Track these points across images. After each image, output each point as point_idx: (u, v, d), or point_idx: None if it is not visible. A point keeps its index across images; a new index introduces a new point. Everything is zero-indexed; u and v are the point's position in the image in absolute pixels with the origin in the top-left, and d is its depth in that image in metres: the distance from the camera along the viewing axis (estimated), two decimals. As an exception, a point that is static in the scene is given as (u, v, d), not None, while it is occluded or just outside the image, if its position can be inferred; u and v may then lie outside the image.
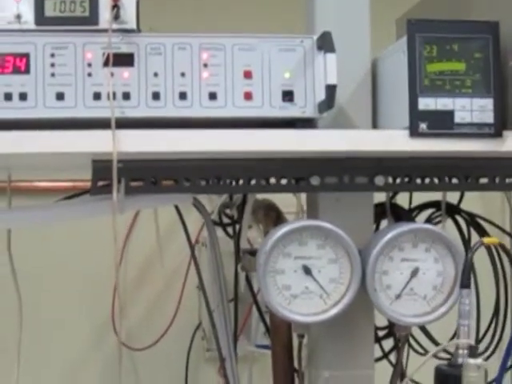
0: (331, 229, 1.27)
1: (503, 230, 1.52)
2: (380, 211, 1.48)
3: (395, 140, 1.27)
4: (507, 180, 1.34)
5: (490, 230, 1.53)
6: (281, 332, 1.43)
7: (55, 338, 2.20)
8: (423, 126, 1.26)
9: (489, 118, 1.28)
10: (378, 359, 1.52)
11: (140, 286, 2.21)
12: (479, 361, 0.97)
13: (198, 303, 2.18)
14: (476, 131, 1.27)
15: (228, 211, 1.73)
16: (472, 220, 1.50)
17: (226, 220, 1.74)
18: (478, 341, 1.51)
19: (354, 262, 1.27)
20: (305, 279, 1.27)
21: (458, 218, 1.52)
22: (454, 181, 1.35)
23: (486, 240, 1.19)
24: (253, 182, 1.32)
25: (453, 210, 1.50)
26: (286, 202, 1.60)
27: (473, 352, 0.97)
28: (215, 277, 1.47)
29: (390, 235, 1.27)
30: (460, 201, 1.54)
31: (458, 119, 1.27)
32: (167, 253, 2.15)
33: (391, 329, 1.50)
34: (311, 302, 1.27)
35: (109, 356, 2.16)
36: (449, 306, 1.26)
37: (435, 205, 1.50)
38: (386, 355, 1.54)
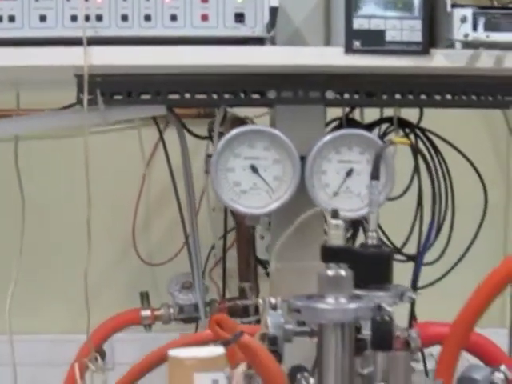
0: (275, 133, 1.46)
1: (454, 147, 1.67)
2: (339, 126, 1.65)
3: (332, 56, 1.45)
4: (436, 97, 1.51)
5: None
6: (243, 228, 1.63)
7: (78, 255, 2.38)
8: (357, 44, 1.44)
9: (417, 37, 1.44)
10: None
11: (162, 204, 2.38)
12: (340, 221, 1.14)
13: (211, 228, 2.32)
14: (405, 48, 1.44)
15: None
16: (423, 134, 1.66)
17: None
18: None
19: (295, 163, 1.46)
20: (253, 177, 1.47)
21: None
22: (397, 96, 1.53)
23: (396, 139, 1.36)
24: (214, 96, 1.52)
25: (406, 125, 1.66)
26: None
27: (334, 214, 1.14)
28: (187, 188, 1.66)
29: (326, 138, 1.46)
30: (420, 118, 1.70)
31: (389, 38, 1.44)
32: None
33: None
34: (259, 196, 1.47)
35: (130, 272, 2.34)
36: (380, 201, 1.44)
37: (389, 120, 1.67)
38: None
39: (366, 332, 1.19)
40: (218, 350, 1.12)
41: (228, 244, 1.94)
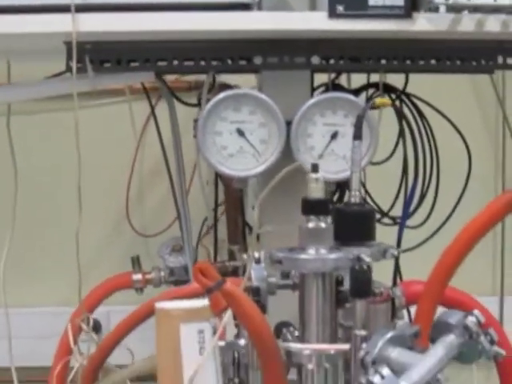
0: (261, 97, 1.49)
1: (438, 111, 1.70)
2: (325, 91, 1.68)
3: (316, 20, 1.47)
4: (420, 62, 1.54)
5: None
6: (231, 193, 1.66)
7: (73, 228, 2.40)
8: (340, 8, 1.47)
9: (399, 1, 1.47)
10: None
11: (156, 176, 2.41)
12: (319, 175, 1.17)
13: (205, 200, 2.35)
14: (388, 12, 1.47)
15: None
16: (408, 99, 1.69)
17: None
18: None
19: (281, 127, 1.49)
20: (239, 140, 1.50)
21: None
22: (382, 62, 1.56)
23: (377, 100, 1.39)
24: (202, 62, 1.55)
25: (392, 91, 1.69)
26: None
27: (314, 168, 1.18)
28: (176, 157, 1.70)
29: (311, 102, 1.49)
30: (406, 83, 1.73)
31: (371, 2, 1.47)
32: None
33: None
34: (245, 160, 1.50)
35: (124, 244, 2.37)
36: (364, 163, 1.47)
37: (375, 86, 1.70)
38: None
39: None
40: (203, 302, 1.15)
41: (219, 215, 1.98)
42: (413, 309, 1.51)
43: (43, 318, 2.42)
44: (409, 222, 1.65)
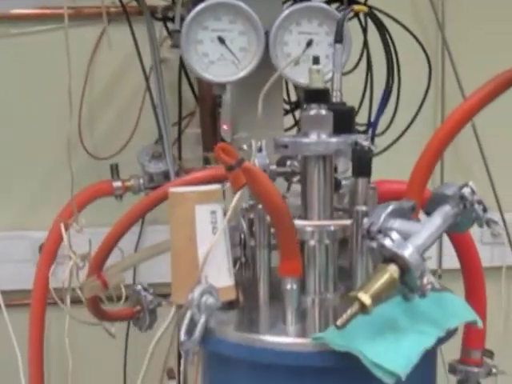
0: (240, 6, 1.57)
1: (399, 23, 1.81)
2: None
3: None
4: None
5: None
6: (207, 100, 1.74)
7: (26, 153, 2.38)
8: None
9: None
10: (290, 128, 1.85)
11: (106, 101, 2.43)
12: (320, 66, 1.27)
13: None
14: None
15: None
16: (370, 11, 1.79)
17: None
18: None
19: (260, 35, 1.57)
20: (220, 48, 1.57)
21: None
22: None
23: (355, 7, 1.49)
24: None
25: (354, 2, 1.78)
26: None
27: (315, 60, 1.27)
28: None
29: (287, 12, 1.58)
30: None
31: None
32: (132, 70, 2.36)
33: (298, 102, 1.83)
34: (226, 67, 1.58)
35: (78, 168, 2.39)
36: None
37: (340, 1, 1.79)
38: (296, 123, 1.86)
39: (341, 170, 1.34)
40: (214, 186, 1.24)
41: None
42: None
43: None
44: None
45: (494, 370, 1.60)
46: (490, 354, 1.63)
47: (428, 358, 1.14)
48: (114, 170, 1.77)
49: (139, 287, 1.52)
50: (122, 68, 2.37)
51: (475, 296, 1.44)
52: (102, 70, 2.37)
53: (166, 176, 1.72)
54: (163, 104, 1.70)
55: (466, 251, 1.46)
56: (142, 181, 1.78)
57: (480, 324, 1.22)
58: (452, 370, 1.57)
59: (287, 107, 1.88)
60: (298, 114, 1.87)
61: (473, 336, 1.55)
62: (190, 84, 2.03)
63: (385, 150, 1.81)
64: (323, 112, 1.25)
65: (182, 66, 2.02)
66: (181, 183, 1.35)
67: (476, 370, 1.57)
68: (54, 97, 2.31)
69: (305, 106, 1.26)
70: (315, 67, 1.26)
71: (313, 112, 1.25)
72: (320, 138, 1.24)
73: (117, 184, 1.78)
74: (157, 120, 1.70)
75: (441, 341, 1.14)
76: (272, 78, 1.55)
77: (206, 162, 1.77)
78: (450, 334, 1.17)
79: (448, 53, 2.31)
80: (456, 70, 2.30)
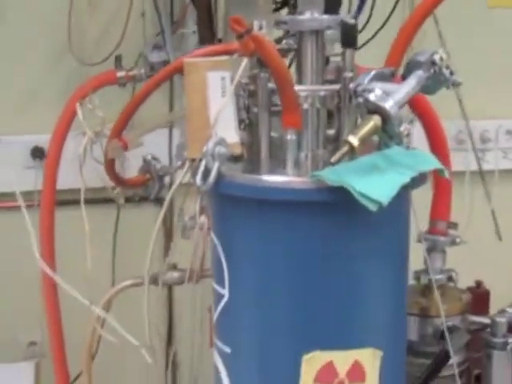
0: None
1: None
2: None
3: None
4: None
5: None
6: None
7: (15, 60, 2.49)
8: None
9: None
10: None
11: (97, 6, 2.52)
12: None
13: (143, 30, 2.48)
14: None
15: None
16: None
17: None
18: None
19: None
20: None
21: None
22: None
23: None
24: None
25: None
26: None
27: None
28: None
29: None
30: None
31: None
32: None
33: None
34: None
35: (67, 73, 2.49)
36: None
37: None
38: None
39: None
40: (223, 57, 1.46)
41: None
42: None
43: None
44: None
45: (457, 240, 1.84)
46: (454, 225, 1.87)
47: (404, 195, 1.38)
48: (118, 61, 1.97)
49: (149, 157, 1.73)
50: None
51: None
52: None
53: (166, 65, 1.92)
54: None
55: (430, 123, 1.70)
56: (143, 70, 1.98)
57: (446, 174, 1.45)
58: (420, 239, 1.79)
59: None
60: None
61: (439, 208, 1.79)
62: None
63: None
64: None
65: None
66: (197, 55, 1.54)
67: (442, 238, 1.81)
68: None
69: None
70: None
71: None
72: (313, 16, 1.46)
73: (121, 74, 1.98)
74: (158, 13, 1.90)
75: (414, 180, 1.37)
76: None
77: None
78: (422, 177, 1.40)
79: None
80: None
